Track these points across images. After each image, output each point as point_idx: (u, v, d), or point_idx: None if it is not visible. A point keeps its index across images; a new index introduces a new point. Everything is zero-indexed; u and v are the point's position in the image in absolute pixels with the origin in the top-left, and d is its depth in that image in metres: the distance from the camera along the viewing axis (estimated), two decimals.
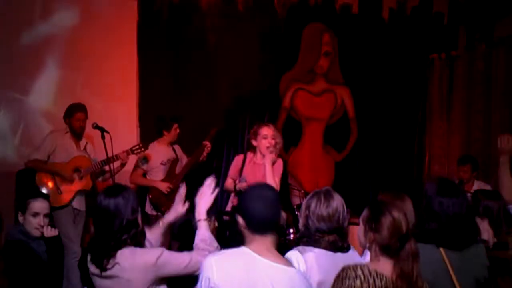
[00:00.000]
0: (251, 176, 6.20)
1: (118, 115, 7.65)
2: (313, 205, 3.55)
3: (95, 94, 7.38)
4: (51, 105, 7.47)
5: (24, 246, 4.35)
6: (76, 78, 7.62)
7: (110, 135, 6.35)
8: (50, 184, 6.47)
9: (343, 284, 2.89)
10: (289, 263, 3.05)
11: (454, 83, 9.13)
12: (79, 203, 6.64)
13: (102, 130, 6.37)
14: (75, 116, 6.65)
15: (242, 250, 2.94)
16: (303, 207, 3.62)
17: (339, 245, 3.48)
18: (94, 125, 6.45)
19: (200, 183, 6.64)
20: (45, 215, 4.50)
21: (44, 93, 7.50)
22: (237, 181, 6.35)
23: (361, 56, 9.19)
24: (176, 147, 7.34)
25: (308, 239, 3.54)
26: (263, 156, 6.21)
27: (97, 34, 7.70)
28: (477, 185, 7.33)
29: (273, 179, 6.00)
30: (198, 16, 8.24)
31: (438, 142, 9.29)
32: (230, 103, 8.42)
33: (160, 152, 7.09)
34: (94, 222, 3.57)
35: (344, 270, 2.93)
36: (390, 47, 9.31)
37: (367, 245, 3.05)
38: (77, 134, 6.70)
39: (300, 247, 3.53)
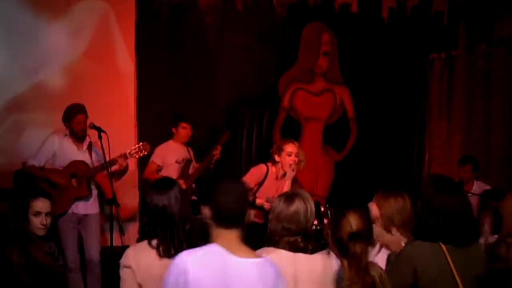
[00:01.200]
0: (271, 192, 6.27)
1: (116, 114, 7.60)
2: (277, 209, 3.55)
3: (93, 93, 7.30)
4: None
5: None
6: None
7: (107, 135, 6.29)
8: (50, 191, 6.16)
9: None
10: (258, 255, 3.01)
11: (454, 82, 9.09)
12: (84, 207, 6.45)
13: (99, 130, 6.26)
14: (75, 119, 6.39)
15: (213, 248, 2.89)
16: (270, 211, 3.63)
17: (301, 246, 3.44)
18: (91, 125, 6.35)
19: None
20: (47, 214, 4.49)
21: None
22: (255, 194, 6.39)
23: (361, 56, 9.15)
24: (190, 149, 7.31)
25: (269, 240, 3.54)
26: (284, 172, 6.35)
27: (95, 33, 7.66)
28: (477, 185, 7.31)
29: None
30: (197, 15, 8.22)
31: (438, 142, 9.25)
32: (229, 103, 8.41)
33: (175, 150, 7.08)
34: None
35: None
36: (390, 47, 9.28)
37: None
38: (78, 137, 6.46)
39: (263, 249, 3.51)
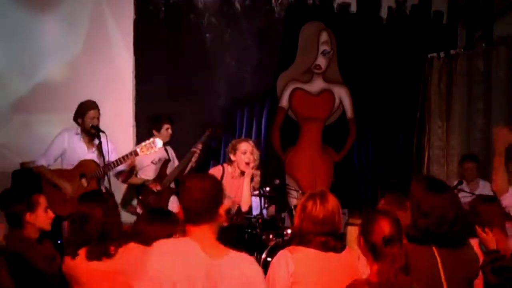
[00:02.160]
0: (232, 191, 6.29)
1: (114, 114, 7.55)
2: (309, 207, 3.54)
3: (91, 93, 7.24)
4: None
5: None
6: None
7: (106, 135, 6.25)
8: (55, 192, 6.19)
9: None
10: (228, 251, 2.94)
11: (454, 82, 9.07)
12: None
13: (98, 130, 6.25)
14: (88, 115, 6.34)
15: (185, 241, 2.89)
16: (299, 208, 3.61)
17: (331, 245, 3.49)
18: (90, 125, 6.35)
19: None
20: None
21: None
22: None
23: (360, 56, 9.14)
24: (169, 148, 7.28)
25: (299, 239, 3.54)
26: (241, 171, 6.38)
27: (93, 33, 7.63)
28: (482, 185, 7.28)
29: (249, 195, 6.36)
30: (195, 15, 8.19)
31: (437, 142, 9.23)
32: (227, 103, 8.39)
33: None
34: None
35: (350, 285, 3.01)
36: (389, 46, 9.26)
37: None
38: (91, 134, 6.39)
39: (291, 247, 3.53)
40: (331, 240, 3.48)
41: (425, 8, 9.49)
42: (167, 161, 7.14)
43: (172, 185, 7.15)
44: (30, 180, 6.36)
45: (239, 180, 6.43)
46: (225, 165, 6.54)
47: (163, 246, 2.87)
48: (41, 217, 4.41)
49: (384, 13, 9.31)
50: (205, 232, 2.88)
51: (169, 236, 3.57)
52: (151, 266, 2.78)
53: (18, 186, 6.73)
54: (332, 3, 9.02)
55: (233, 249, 2.94)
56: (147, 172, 7.04)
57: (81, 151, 6.40)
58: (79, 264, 3.59)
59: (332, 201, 3.56)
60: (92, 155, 6.42)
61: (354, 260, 3.56)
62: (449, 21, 9.58)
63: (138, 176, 7.03)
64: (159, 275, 2.75)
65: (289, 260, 3.44)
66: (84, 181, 6.29)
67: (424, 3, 9.47)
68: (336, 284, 3.32)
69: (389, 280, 2.96)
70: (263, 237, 6.82)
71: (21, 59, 7.37)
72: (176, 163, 7.28)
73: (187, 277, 2.76)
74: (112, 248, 3.60)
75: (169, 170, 7.13)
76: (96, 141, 6.44)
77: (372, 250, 3.07)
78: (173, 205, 7.05)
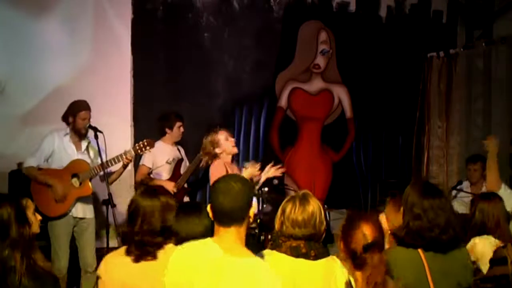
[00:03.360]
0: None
1: (112, 114, 7.53)
2: (287, 210, 3.45)
3: (89, 93, 7.20)
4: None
5: None
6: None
7: (103, 135, 6.21)
8: (47, 193, 6.14)
9: None
10: (252, 254, 2.98)
11: (453, 81, 9.03)
12: (82, 211, 6.33)
13: (96, 130, 6.20)
14: (80, 115, 6.27)
15: (206, 242, 2.92)
16: (279, 211, 3.52)
17: (302, 251, 3.34)
18: (88, 125, 6.31)
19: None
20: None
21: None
22: None
23: (359, 55, 9.10)
24: (180, 148, 7.32)
25: (273, 242, 3.48)
26: (231, 156, 6.70)
27: (91, 32, 7.60)
28: (486, 186, 7.22)
29: None
30: (194, 14, 8.17)
31: (437, 141, 9.20)
32: (226, 102, 8.36)
33: (165, 151, 7.05)
34: None
35: None
36: (388, 46, 9.23)
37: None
38: (81, 134, 6.36)
39: (266, 250, 3.46)
40: (304, 246, 3.34)
41: (425, 7, 9.46)
42: (180, 161, 7.16)
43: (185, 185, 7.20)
44: (26, 181, 6.31)
45: (232, 165, 6.67)
46: (218, 161, 6.58)
47: (180, 254, 2.91)
48: (31, 220, 4.38)
49: (383, 12, 9.27)
50: (231, 234, 2.91)
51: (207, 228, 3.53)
52: (169, 277, 2.87)
53: (14, 187, 6.72)
54: (331, 2, 8.99)
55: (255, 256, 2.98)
56: (161, 172, 7.05)
57: (71, 151, 6.34)
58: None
59: (313, 203, 3.45)
60: (83, 155, 6.37)
61: (332, 271, 3.35)
62: (448, 20, 9.56)
63: (152, 176, 7.04)
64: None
65: None
66: (75, 181, 6.25)
67: (423, 2, 9.45)
68: None
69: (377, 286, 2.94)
70: (262, 237, 6.81)
71: (24, 66, 7.34)
72: (187, 162, 7.30)
73: (204, 278, 2.81)
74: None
75: (182, 170, 7.13)
76: (86, 142, 6.40)
77: (352, 257, 3.04)
78: None
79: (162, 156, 7.02)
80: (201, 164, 7.14)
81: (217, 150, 6.53)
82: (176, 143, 7.26)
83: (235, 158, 7.38)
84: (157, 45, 8.01)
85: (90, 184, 6.31)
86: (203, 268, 2.82)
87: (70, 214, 6.25)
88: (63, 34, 7.53)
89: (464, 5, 9.33)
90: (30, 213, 4.40)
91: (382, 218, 3.97)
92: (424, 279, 3.27)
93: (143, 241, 3.37)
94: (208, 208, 3.00)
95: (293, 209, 3.42)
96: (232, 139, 6.61)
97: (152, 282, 3.19)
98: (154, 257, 3.36)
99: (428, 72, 9.30)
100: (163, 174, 7.05)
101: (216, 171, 6.53)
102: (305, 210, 3.40)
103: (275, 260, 3.31)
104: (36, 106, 7.32)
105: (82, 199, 6.30)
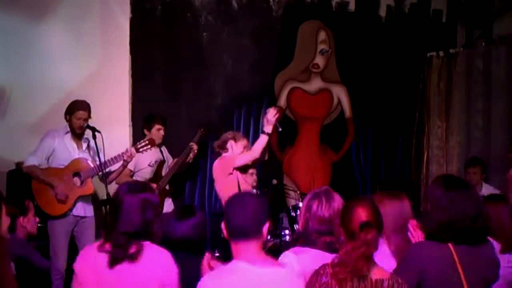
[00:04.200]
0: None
1: (111, 114, 7.51)
2: (314, 207, 3.48)
3: (87, 93, 7.18)
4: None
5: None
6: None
7: (102, 134, 6.19)
8: (48, 192, 6.13)
9: (317, 281, 2.97)
10: (279, 264, 3.01)
11: (453, 81, 9.00)
12: (83, 209, 6.32)
13: (94, 130, 6.18)
14: (76, 114, 6.27)
15: (233, 264, 2.90)
16: (303, 208, 3.55)
17: (336, 246, 3.37)
18: (86, 125, 6.28)
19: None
20: None
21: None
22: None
23: (358, 55, 9.08)
24: (163, 149, 7.30)
25: (304, 240, 3.48)
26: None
27: (89, 32, 7.59)
28: (485, 188, 7.20)
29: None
30: (192, 14, 8.15)
31: (436, 141, 9.17)
32: (225, 102, 8.34)
33: (147, 154, 6.93)
34: None
35: (322, 266, 3.00)
36: (388, 45, 9.21)
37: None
38: (77, 134, 6.35)
39: (296, 248, 3.48)
40: (337, 241, 3.40)
41: (424, 7, 9.43)
42: (162, 163, 7.14)
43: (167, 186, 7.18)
44: (25, 181, 6.28)
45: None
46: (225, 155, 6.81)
47: (213, 279, 2.90)
48: (32, 221, 4.40)
49: (382, 12, 9.25)
50: (252, 248, 2.91)
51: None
52: None
53: (13, 187, 6.70)
54: (330, 1, 8.96)
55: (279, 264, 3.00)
56: (143, 175, 7.04)
57: (72, 150, 6.33)
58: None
59: (338, 200, 3.51)
60: (84, 154, 6.36)
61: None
62: (448, 20, 9.54)
63: (133, 178, 7.00)
64: None
65: (293, 262, 3.36)
66: (77, 180, 6.23)
67: (423, 2, 9.42)
68: None
69: (349, 261, 2.94)
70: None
71: (28, 72, 7.33)
72: (170, 161, 7.32)
73: None
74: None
75: (164, 172, 7.12)
76: (86, 141, 6.39)
77: (351, 238, 3.03)
78: (168, 206, 7.06)
79: (144, 159, 6.96)
80: (187, 159, 7.18)
81: (224, 153, 6.81)
82: (159, 145, 7.19)
83: None
84: (156, 45, 7.98)
85: (91, 183, 6.31)
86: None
87: (71, 213, 6.23)
88: (63, 37, 7.54)
89: (464, 4, 9.30)
90: (31, 214, 4.41)
91: None
92: (455, 275, 3.23)
93: (120, 240, 3.28)
94: (222, 225, 3.00)
95: (320, 206, 3.47)
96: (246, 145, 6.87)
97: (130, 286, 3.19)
98: (133, 259, 3.25)
99: (427, 71, 9.27)
100: (145, 176, 7.02)
101: (220, 168, 6.77)
102: (331, 206, 3.44)
103: (313, 257, 3.35)
104: (42, 113, 7.28)
105: (82, 198, 6.28)
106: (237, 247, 2.93)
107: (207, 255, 3.40)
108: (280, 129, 6.92)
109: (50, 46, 7.48)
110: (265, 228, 2.96)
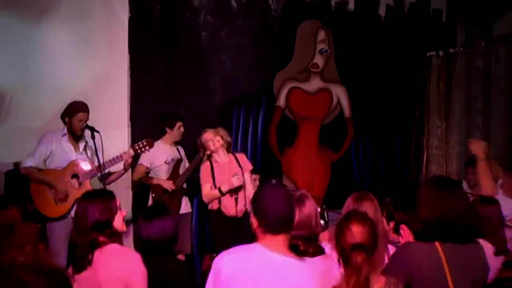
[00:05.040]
0: (221, 176, 6.71)
1: (109, 114, 7.48)
2: None
3: (85, 92, 7.16)
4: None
5: None
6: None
7: (100, 135, 6.16)
8: (46, 194, 6.10)
9: None
10: (299, 257, 3.06)
11: (453, 81, 9.00)
12: None
13: (93, 130, 6.15)
14: (77, 116, 6.23)
15: (254, 246, 2.97)
16: None
17: (300, 250, 3.40)
18: (85, 125, 6.25)
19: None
20: None
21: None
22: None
23: (358, 54, 9.06)
24: (180, 148, 7.32)
25: None
26: (222, 154, 6.81)
27: (87, 30, 7.56)
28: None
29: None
30: (191, 13, 8.13)
31: (436, 141, 9.16)
32: (224, 102, 8.32)
33: (164, 151, 7.05)
34: None
35: None
36: (387, 45, 9.19)
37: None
38: (77, 136, 6.31)
39: None
40: (302, 244, 3.42)
41: (424, 6, 9.41)
42: (179, 161, 7.19)
43: (184, 185, 7.23)
44: (23, 181, 6.25)
45: (228, 164, 6.78)
46: (212, 159, 6.81)
47: (231, 255, 2.97)
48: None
49: (382, 11, 9.23)
50: (279, 241, 2.97)
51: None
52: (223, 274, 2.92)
53: (11, 188, 6.67)
54: (330, 1, 8.95)
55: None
56: (160, 172, 7.07)
57: (69, 152, 6.30)
58: None
59: (309, 205, 3.52)
60: (81, 155, 6.32)
61: (329, 266, 3.40)
62: (448, 19, 9.52)
63: (150, 175, 7.09)
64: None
65: None
66: (75, 182, 6.19)
67: (423, 1, 9.40)
68: None
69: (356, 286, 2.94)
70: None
71: (28, 74, 7.28)
72: (187, 162, 7.32)
73: (257, 278, 2.88)
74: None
75: (181, 170, 7.14)
76: (83, 142, 6.36)
77: (342, 255, 3.05)
78: (184, 205, 7.09)
79: (160, 156, 7.03)
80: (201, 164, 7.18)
81: (208, 152, 6.76)
82: (176, 143, 7.25)
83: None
84: (154, 44, 7.96)
85: (89, 184, 6.27)
86: (254, 271, 2.89)
87: (69, 215, 6.19)
88: (63, 38, 7.50)
89: (463, 4, 9.28)
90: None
91: None
92: (442, 274, 3.24)
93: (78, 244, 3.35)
94: (253, 219, 3.04)
95: None
96: (220, 141, 6.77)
97: None
98: (89, 264, 3.31)
99: (427, 71, 9.26)
100: (160, 174, 7.05)
101: (202, 172, 6.79)
102: (301, 212, 3.43)
103: None
104: (41, 113, 7.22)
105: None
106: (265, 236, 2.97)
107: (206, 257, 3.43)
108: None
109: (49, 46, 7.45)
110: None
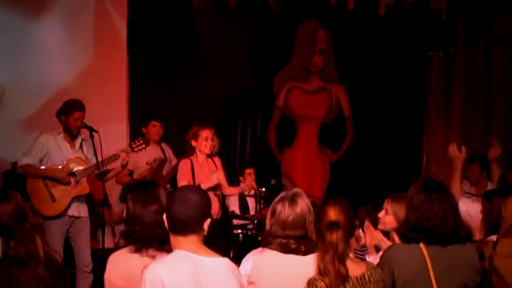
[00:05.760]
0: (204, 177, 6.46)
1: (108, 113, 7.48)
2: (277, 210, 3.48)
3: (84, 92, 7.13)
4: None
5: None
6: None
7: (99, 134, 6.13)
8: (43, 192, 6.02)
9: None
10: (218, 254, 3.02)
11: (453, 81, 8.99)
12: (77, 210, 6.18)
13: (91, 129, 6.11)
14: (73, 115, 6.12)
15: (180, 252, 2.92)
16: (269, 212, 3.55)
17: (292, 247, 3.38)
18: (82, 125, 6.22)
19: None
20: None
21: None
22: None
23: (357, 54, 9.06)
24: (165, 146, 7.26)
25: (263, 240, 3.52)
26: (206, 154, 6.53)
27: (86, 30, 7.56)
28: (490, 187, 7.12)
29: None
30: (189, 12, 8.14)
31: (436, 141, 9.15)
32: (223, 101, 8.33)
33: (147, 151, 6.88)
34: None
35: (308, 283, 3.04)
36: (387, 44, 9.17)
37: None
38: (73, 135, 6.21)
39: (259, 249, 3.51)
40: (294, 242, 3.39)
41: (424, 5, 9.38)
42: (163, 161, 7.08)
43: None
44: (21, 181, 6.22)
45: (207, 165, 6.54)
46: (191, 157, 6.54)
47: (157, 266, 2.90)
48: None
49: (382, 10, 9.20)
50: (192, 242, 2.93)
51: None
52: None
53: (9, 188, 6.63)
54: (329, 0, 8.92)
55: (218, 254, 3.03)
56: (142, 173, 6.96)
57: (66, 150, 6.25)
58: None
59: (302, 204, 3.47)
60: (77, 153, 6.28)
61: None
62: (448, 19, 9.48)
63: (133, 176, 6.98)
64: None
65: (248, 261, 3.45)
66: (73, 180, 6.16)
67: (422, 0, 9.38)
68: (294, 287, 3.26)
69: (327, 269, 2.98)
70: (259, 238, 6.74)
71: (22, 70, 7.26)
72: (173, 162, 7.23)
73: (188, 281, 2.84)
74: None
75: (165, 170, 7.07)
76: (79, 140, 6.33)
77: (320, 237, 3.09)
78: None
79: (142, 157, 6.88)
80: None
81: (193, 143, 6.50)
82: (160, 142, 7.18)
83: (232, 157, 7.40)
84: (153, 44, 7.96)
85: (86, 183, 6.25)
86: (188, 279, 2.86)
87: (66, 213, 6.17)
88: (60, 36, 7.51)
89: (463, 3, 9.26)
90: None
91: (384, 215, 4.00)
92: (425, 275, 3.26)
93: None
94: (164, 216, 3.02)
95: (282, 211, 3.44)
96: (211, 143, 6.55)
97: None
98: None
99: (427, 71, 9.24)
100: (143, 175, 6.96)
101: (181, 168, 6.57)
102: (293, 211, 3.42)
103: (264, 257, 3.40)
104: (38, 112, 7.23)
105: (77, 198, 6.22)
106: (176, 240, 2.96)
107: None
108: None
109: (47, 43, 7.45)
110: (206, 224, 2.97)
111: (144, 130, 7.12)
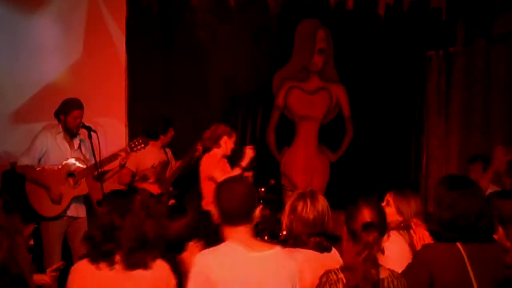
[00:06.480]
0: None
1: (107, 113, 7.48)
2: (299, 208, 3.53)
3: (83, 92, 7.12)
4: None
5: None
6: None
7: (97, 134, 6.12)
8: (42, 193, 6.06)
9: None
10: (271, 245, 3.13)
11: (453, 80, 8.96)
12: (76, 210, 6.25)
13: (89, 129, 6.13)
14: (72, 114, 6.18)
15: (229, 245, 3.02)
16: (288, 209, 3.60)
17: (324, 245, 3.48)
18: (81, 124, 6.21)
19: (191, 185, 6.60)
20: None
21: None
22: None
23: (357, 53, 9.03)
24: (167, 150, 7.23)
25: (294, 241, 3.53)
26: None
27: (85, 30, 7.58)
28: (492, 189, 7.11)
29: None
30: (189, 12, 8.14)
31: (436, 141, 9.12)
32: (222, 101, 8.33)
33: (152, 155, 6.93)
34: None
35: (325, 274, 3.04)
36: (387, 44, 9.14)
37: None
38: (72, 134, 6.27)
39: (287, 249, 3.46)
40: (324, 240, 3.49)
41: (424, 5, 9.37)
42: (166, 164, 7.09)
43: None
44: (20, 181, 6.21)
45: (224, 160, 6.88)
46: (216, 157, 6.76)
47: (206, 256, 3.03)
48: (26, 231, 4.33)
49: (381, 10, 9.19)
50: (243, 233, 3.06)
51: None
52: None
53: (8, 188, 6.64)
54: (329, 0, 8.91)
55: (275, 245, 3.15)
56: (146, 176, 6.98)
57: (65, 149, 6.26)
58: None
59: (322, 202, 3.55)
60: (76, 153, 6.27)
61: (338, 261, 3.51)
62: (448, 18, 9.46)
63: (135, 178, 7.00)
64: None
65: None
66: (71, 180, 6.15)
67: (422, 0, 9.37)
68: None
69: (355, 266, 2.97)
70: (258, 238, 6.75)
71: (15, 64, 7.33)
72: (173, 163, 7.26)
73: (235, 278, 2.94)
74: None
75: (168, 173, 7.07)
76: (78, 139, 6.32)
77: (353, 237, 3.10)
78: None
79: (148, 160, 6.92)
80: (191, 161, 7.12)
81: (223, 140, 6.74)
82: (164, 146, 7.20)
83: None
84: (152, 43, 7.99)
85: (85, 183, 6.24)
86: (231, 268, 2.95)
87: (65, 214, 6.16)
88: (56, 32, 7.56)
89: (463, 2, 9.25)
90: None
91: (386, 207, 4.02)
92: (466, 276, 3.24)
93: None
94: (213, 210, 3.15)
95: (304, 208, 3.50)
96: (231, 145, 6.85)
97: None
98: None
99: (427, 70, 9.22)
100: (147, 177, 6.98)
101: (209, 163, 6.69)
102: (315, 208, 3.49)
103: (306, 257, 3.42)
104: (27, 104, 7.25)
105: (76, 198, 6.22)
106: (228, 230, 3.08)
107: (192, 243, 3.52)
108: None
109: (42, 39, 7.47)
110: (257, 212, 3.13)
111: (162, 136, 7.11)
